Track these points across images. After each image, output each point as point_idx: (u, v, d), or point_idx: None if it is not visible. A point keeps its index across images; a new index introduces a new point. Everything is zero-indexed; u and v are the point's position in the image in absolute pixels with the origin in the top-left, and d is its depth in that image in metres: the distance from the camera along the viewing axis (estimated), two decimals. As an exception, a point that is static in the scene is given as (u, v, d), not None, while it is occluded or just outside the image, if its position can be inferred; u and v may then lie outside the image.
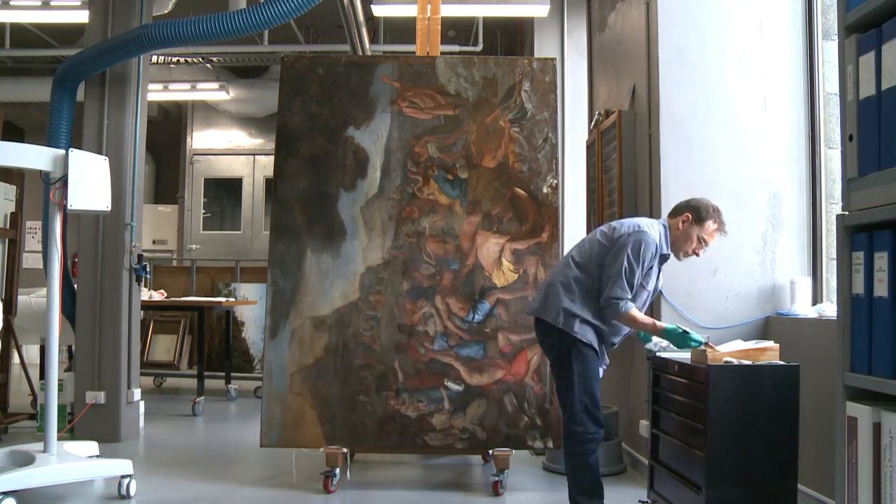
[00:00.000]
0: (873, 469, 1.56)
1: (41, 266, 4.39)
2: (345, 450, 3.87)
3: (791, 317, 3.66)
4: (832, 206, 3.86)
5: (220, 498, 3.76)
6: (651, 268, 3.17)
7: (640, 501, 3.48)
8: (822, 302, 3.72)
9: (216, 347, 7.69)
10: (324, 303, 4.03)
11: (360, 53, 7.02)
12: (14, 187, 5.35)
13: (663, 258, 3.24)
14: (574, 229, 6.52)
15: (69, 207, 3.63)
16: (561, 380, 3.21)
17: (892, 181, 1.53)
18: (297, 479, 4.04)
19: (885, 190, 1.56)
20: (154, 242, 11.02)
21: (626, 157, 4.32)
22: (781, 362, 2.92)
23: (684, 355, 3.18)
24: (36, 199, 4.50)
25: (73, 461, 3.64)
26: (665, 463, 3.25)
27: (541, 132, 4.14)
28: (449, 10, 5.86)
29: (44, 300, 4.63)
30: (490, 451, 3.98)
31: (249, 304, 7.75)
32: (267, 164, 11.05)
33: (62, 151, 3.65)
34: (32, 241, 8.36)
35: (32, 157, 3.67)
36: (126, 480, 3.69)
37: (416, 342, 3.98)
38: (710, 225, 3.17)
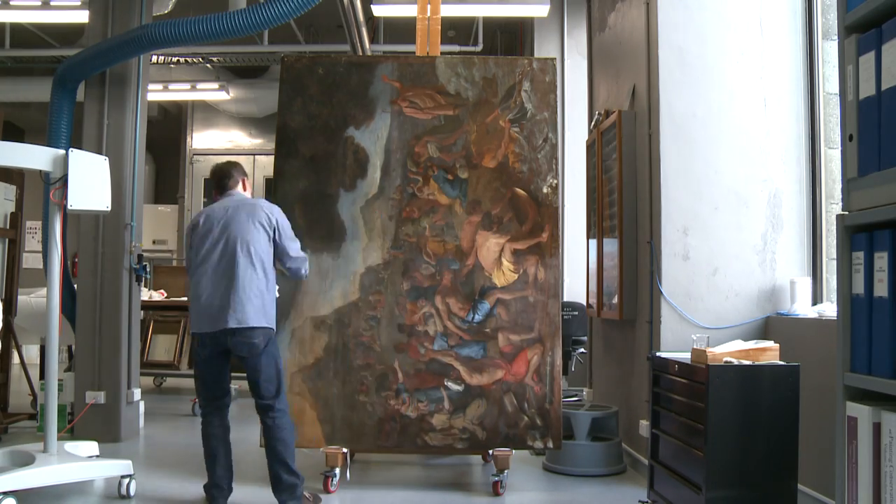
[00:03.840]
0: (873, 469, 1.56)
1: (41, 266, 4.39)
2: (345, 450, 3.88)
3: (791, 317, 3.66)
4: (832, 206, 3.85)
5: (220, 498, 3.76)
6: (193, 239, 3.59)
7: (640, 501, 3.48)
8: (822, 302, 3.72)
9: (216, 347, 7.68)
10: (324, 303, 4.03)
11: (360, 53, 7.02)
12: (14, 187, 5.35)
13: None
14: (574, 229, 6.51)
15: (69, 207, 3.63)
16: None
17: (892, 181, 1.53)
18: (297, 479, 4.04)
19: (885, 190, 1.55)
20: (154, 242, 11.00)
21: (626, 157, 4.32)
22: (781, 362, 2.92)
23: (684, 355, 3.18)
24: (36, 199, 4.49)
25: (73, 461, 3.64)
26: (665, 463, 3.25)
27: (541, 132, 4.14)
28: (449, 10, 5.85)
29: (44, 300, 4.62)
30: (490, 451, 3.97)
31: (249, 304, 7.72)
32: (267, 164, 11.04)
33: (62, 151, 3.65)
34: (32, 241, 8.36)
35: (32, 157, 3.67)
36: (126, 480, 3.69)
37: (416, 342, 3.98)
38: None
